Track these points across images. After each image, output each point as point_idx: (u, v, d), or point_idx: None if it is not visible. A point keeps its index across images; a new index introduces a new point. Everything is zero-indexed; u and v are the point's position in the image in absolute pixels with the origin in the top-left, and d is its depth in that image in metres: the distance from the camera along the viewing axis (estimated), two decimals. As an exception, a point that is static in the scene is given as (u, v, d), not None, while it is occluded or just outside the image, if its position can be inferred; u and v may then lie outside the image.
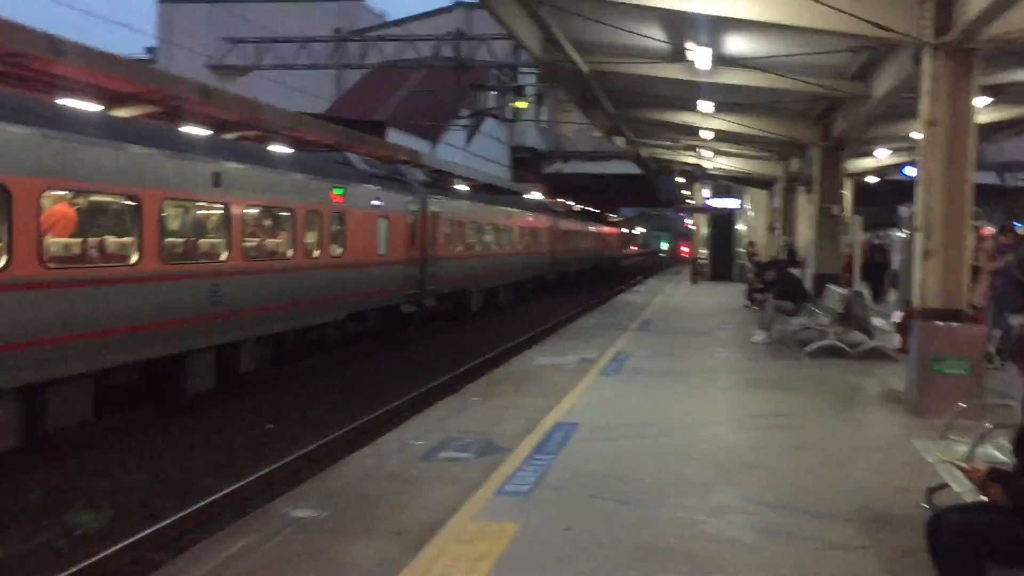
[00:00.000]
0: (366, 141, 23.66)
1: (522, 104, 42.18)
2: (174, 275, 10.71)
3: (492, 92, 42.76)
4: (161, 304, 10.29)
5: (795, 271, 19.26)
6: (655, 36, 12.68)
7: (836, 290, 13.97)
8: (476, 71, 35.15)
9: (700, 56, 12.52)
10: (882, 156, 23.86)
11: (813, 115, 17.31)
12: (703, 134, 20.62)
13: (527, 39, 13.26)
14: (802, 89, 13.35)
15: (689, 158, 24.65)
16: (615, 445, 7.51)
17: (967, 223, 9.25)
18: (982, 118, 17.00)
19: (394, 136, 33.10)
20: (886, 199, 45.51)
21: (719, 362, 12.75)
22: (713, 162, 25.89)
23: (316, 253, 14.51)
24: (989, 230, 16.22)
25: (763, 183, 29.06)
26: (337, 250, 15.34)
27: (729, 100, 16.34)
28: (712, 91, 15.57)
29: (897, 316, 11.69)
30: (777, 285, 15.01)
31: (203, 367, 11.45)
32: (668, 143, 22.80)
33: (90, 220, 9.98)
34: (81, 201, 9.63)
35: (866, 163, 25.23)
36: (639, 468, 6.75)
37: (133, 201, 9.95)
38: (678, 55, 13.41)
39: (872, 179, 29.71)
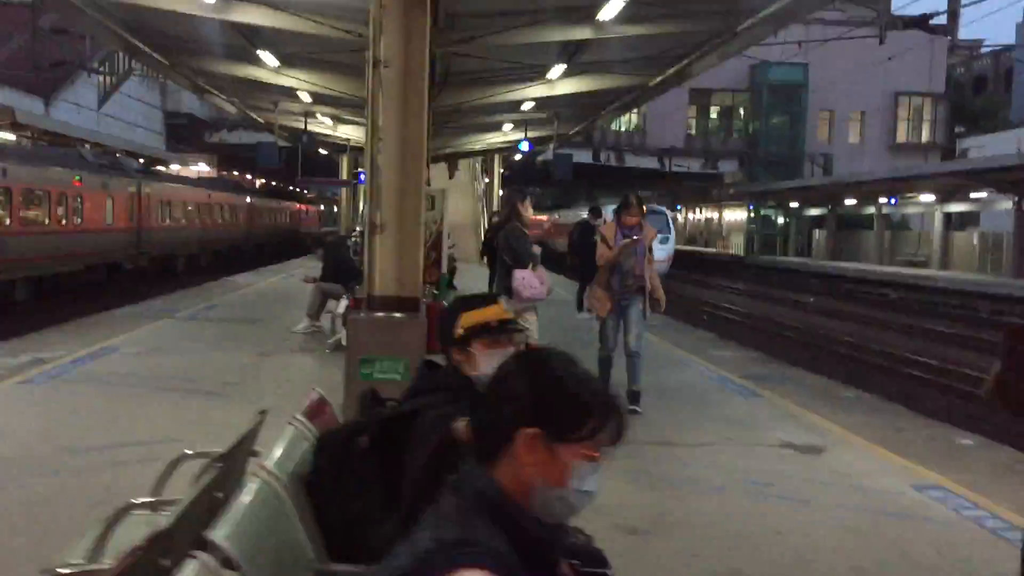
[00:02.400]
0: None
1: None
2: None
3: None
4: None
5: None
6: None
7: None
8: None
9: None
10: (507, 130, 22.96)
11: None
12: (302, 96, 18.41)
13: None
14: (328, 35, 11.34)
15: (311, 125, 22.30)
16: None
17: (422, 191, 7.56)
18: (566, 88, 16.24)
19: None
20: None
21: (223, 359, 10.44)
22: (336, 131, 23.75)
23: (64, 222, 20.01)
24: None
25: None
26: (77, 220, 20.71)
27: (290, 51, 14.15)
28: (258, 37, 13.31)
29: (342, 306, 9.96)
30: (327, 265, 13.00)
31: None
32: (270, 107, 20.31)
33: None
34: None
35: (494, 138, 24.29)
36: None
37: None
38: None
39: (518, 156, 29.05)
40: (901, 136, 51.35)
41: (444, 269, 16.55)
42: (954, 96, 54.87)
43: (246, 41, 13.77)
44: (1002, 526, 5.31)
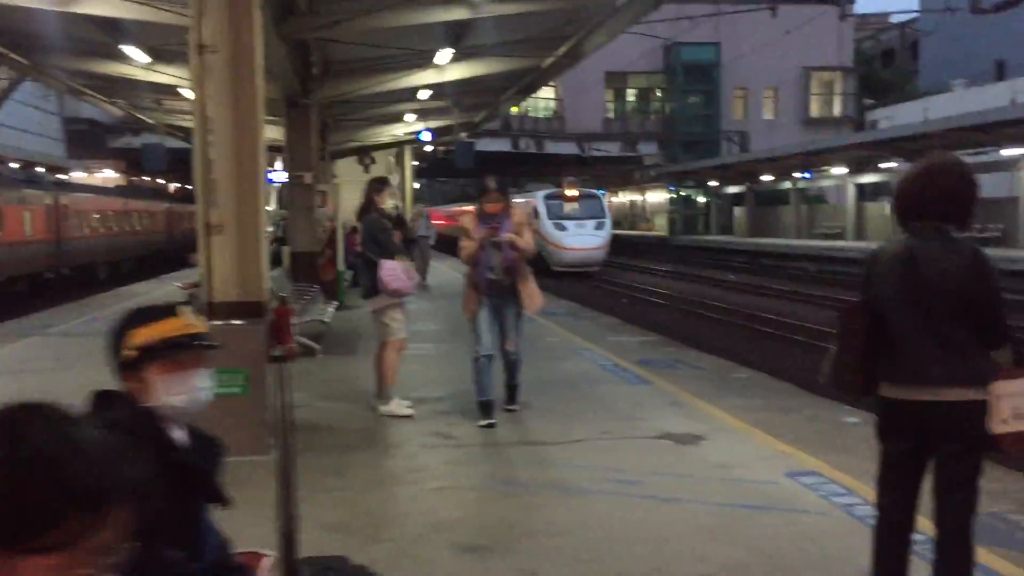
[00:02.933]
0: None
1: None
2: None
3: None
4: None
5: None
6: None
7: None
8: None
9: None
10: (410, 121, 22.36)
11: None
12: (185, 93, 17.49)
13: None
14: (177, 22, 10.60)
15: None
16: None
17: (261, 186, 6.97)
18: (458, 73, 15.73)
19: None
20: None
21: (77, 380, 9.67)
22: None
23: None
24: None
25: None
26: None
27: (156, 45, 13.35)
28: (117, 31, 12.50)
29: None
30: (204, 270, 12.31)
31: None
32: (154, 106, 19.38)
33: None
34: None
35: (398, 129, 23.67)
36: None
37: None
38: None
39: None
40: (814, 110, 51.97)
41: (340, 266, 15.99)
42: (863, 69, 55.75)
43: (105, 35, 12.96)
44: (872, 513, 4.96)
